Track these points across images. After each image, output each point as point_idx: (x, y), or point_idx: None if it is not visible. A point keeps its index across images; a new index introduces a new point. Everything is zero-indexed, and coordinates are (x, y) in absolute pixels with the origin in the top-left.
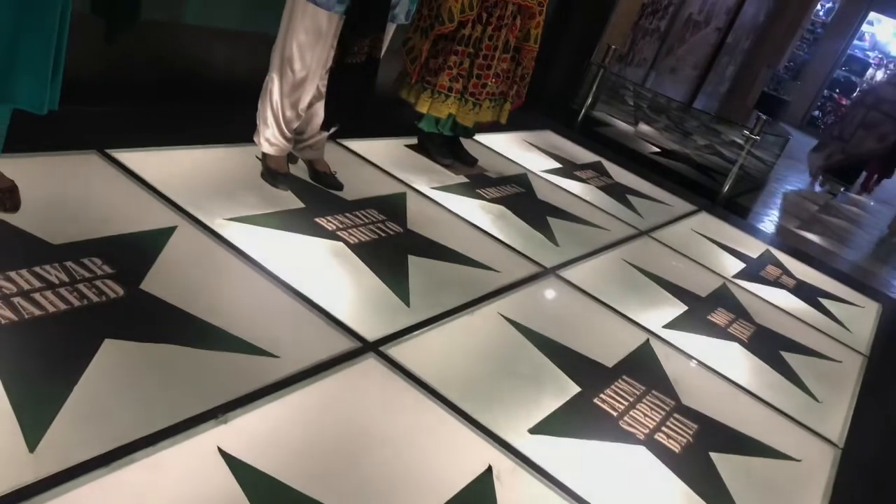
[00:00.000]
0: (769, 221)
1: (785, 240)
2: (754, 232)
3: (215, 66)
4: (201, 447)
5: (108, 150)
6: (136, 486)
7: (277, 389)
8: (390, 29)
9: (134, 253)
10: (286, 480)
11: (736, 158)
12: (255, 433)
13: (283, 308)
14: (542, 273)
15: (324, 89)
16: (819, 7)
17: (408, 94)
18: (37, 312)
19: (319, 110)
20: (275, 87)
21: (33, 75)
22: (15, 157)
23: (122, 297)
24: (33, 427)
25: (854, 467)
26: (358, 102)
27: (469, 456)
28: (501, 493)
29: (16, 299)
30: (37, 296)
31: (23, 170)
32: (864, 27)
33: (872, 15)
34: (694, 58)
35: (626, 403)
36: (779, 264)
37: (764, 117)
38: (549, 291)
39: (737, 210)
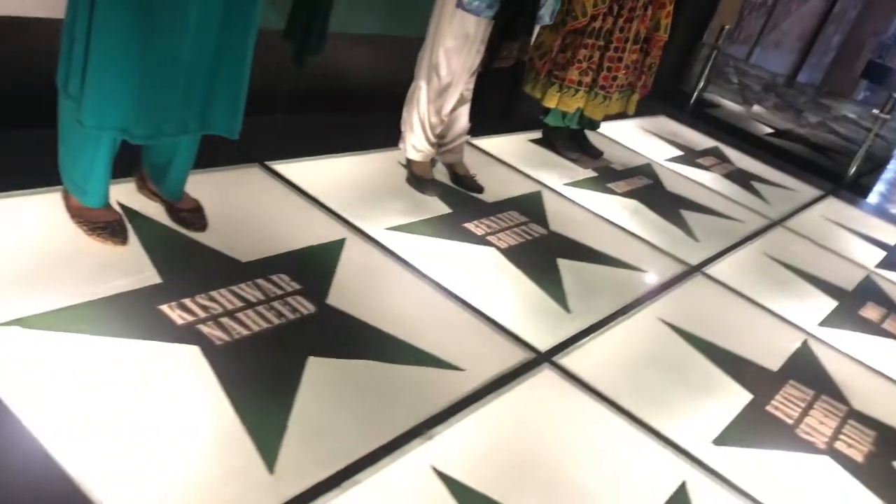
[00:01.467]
0: None
1: None
2: (887, 216)
3: (357, 72)
4: (415, 465)
5: (267, 163)
6: None
7: (469, 403)
8: (535, 31)
9: (314, 267)
10: (501, 500)
11: (850, 135)
12: (460, 449)
13: (455, 318)
14: (690, 272)
15: (468, 94)
16: None
17: (533, 88)
18: (244, 332)
19: (462, 114)
20: (422, 93)
21: (228, 102)
22: None
23: (313, 314)
24: (268, 449)
25: None
26: (507, 105)
27: (661, 470)
28: None
29: (223, 319)
30: (241, 315)
31: (195, 187)
32: None
33: None
34: (799, 29)
35: (798, 410)
36: None
37: (895, 95)
38: (701, 291)
39: (863, 192)
